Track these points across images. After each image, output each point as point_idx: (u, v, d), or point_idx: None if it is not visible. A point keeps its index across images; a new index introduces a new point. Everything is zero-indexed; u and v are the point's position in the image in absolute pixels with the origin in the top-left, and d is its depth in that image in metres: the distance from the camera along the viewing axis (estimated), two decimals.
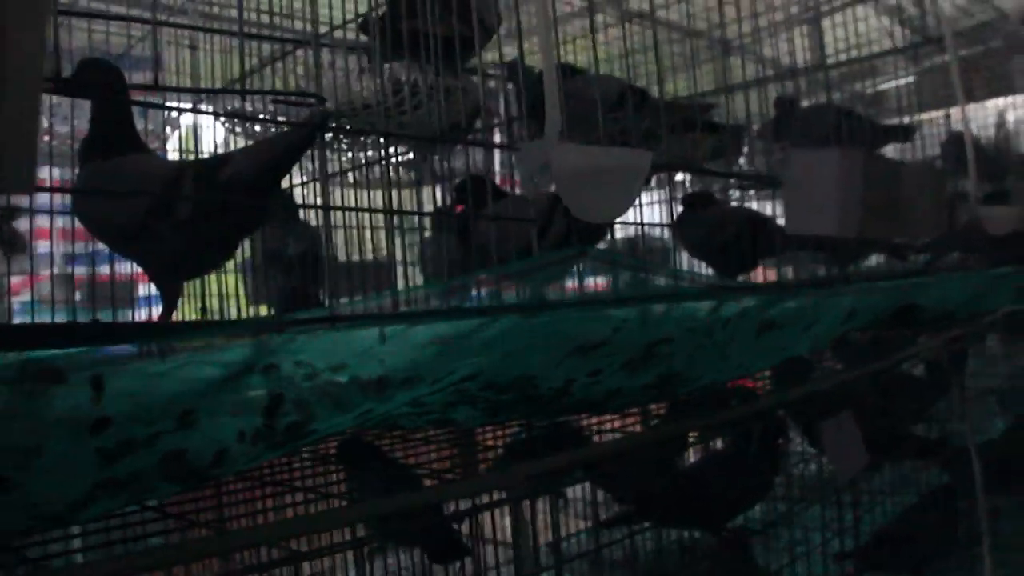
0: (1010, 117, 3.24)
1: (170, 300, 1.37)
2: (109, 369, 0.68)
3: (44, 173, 1.69)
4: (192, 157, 1.88)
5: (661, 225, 2.07)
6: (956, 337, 2.33)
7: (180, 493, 1.19)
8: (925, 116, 2.67)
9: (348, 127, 1.49)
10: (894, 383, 2.29)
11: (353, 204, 1.84)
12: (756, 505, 2.00)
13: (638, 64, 1.98)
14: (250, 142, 1.59)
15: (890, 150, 2.38)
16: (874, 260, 2.44)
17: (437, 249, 2.04)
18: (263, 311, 1.92)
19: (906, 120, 2.59)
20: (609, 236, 1.63)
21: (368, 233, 1.69)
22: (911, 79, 2.84)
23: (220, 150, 1.75)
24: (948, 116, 2.67)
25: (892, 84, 2.93)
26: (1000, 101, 3.21)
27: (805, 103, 2.42)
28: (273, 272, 1.83)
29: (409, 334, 0.83)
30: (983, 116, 3.13)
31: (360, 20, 1.56)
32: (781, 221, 2.19)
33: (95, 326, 0.85)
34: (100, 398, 0.68)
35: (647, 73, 1.91)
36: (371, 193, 1.92)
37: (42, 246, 1.94)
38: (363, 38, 1.56)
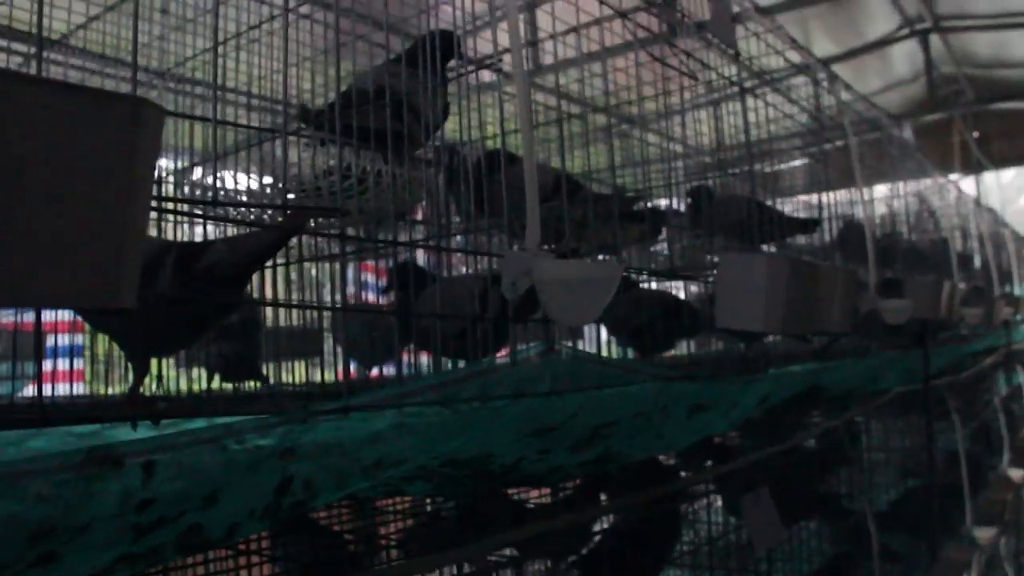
0: (895, 204, 3.51)
1: (140, 372, 1.44)
2: (160, 455, 0.76)
3: None
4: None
5: None
6: (852, 417, 2.53)
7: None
8: (816, 198, 2.85)
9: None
10: (797, 456, 2.46)
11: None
12: None
13: (544, 138, 2.12)
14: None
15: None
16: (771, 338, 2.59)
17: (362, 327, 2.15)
18: (200, 376, 1.95)
19: (808, 207, 2.80)
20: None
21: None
22: (803, 162, 3.06)
23: None
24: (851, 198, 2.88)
25: (786, 166, 3.15)
26: (883, 188, 3.47)
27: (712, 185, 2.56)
28: (211, 338, 1.87)
29: (407, 422, 0.94)
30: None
31: (300, 110, 1.65)
32: (694, 304, 2.36)
33: (147, 402, 0.93)
34: (150, 482, 0.76)
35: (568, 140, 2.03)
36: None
37: None
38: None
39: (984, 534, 3.53)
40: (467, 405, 1.00)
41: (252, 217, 1.53)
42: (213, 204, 1.13)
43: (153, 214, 1.26)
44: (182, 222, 1.77)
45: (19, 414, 0.97)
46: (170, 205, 1.38)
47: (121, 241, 0.60)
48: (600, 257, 2.25)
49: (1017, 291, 5.71)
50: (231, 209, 1.47)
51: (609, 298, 1.11)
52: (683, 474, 2.23)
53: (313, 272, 2.08)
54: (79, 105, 0.58)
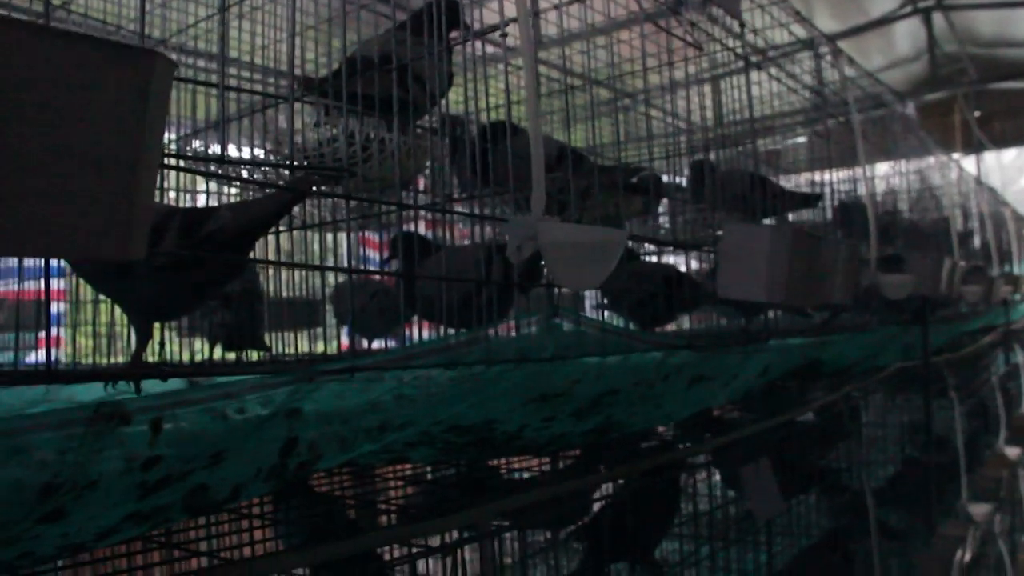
0: (896, 181, 3.50)
1: (142, 338, 1.44)
2: (168, 412, 0.77)
3: None
4: None
5: None
6: (851, 391, 2.54)
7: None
8: (818, 175, 2.85)
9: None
10: (798, 430, 2.47)
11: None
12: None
13: (546, 110, 2.10)
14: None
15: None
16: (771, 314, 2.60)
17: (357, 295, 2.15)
18: (202, 347, 1.95)
19: (809, 184, 2.79)
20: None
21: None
22: (803, 139, 3.06)
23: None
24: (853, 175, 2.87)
25: (788, 143, 3.15)
26: (885, 166, 3.46)
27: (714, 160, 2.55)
28: (212, 307, 1.88)
29: (410, 385, 0.94)
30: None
31: (304, 80, 1.65)
32: (695, 277, 2.36)
33: (150, 366, 0.93)
34: (156, 439, 0.76)
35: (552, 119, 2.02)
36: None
37: None
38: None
39: (979, 510, 3.55)
40: (470, 369, 1.00)
41: (258, 178, 1.53)
42: (220, 162, 1.12)
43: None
44: (186, 190, 1.76)
45: (28, 372, 0.97)
46: (178, 162, 1.37)
47: (132, 192, 0.60)
48: None
49: (1016, 270, 5.71)
50: (235, 170, 1.46)
51: (614, 263, 1.11)
52: (682, 448, 2.24)
53: (316, 244, 2.08)
54: (93, 56, 0.57)
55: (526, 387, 1.17)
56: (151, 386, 0.93)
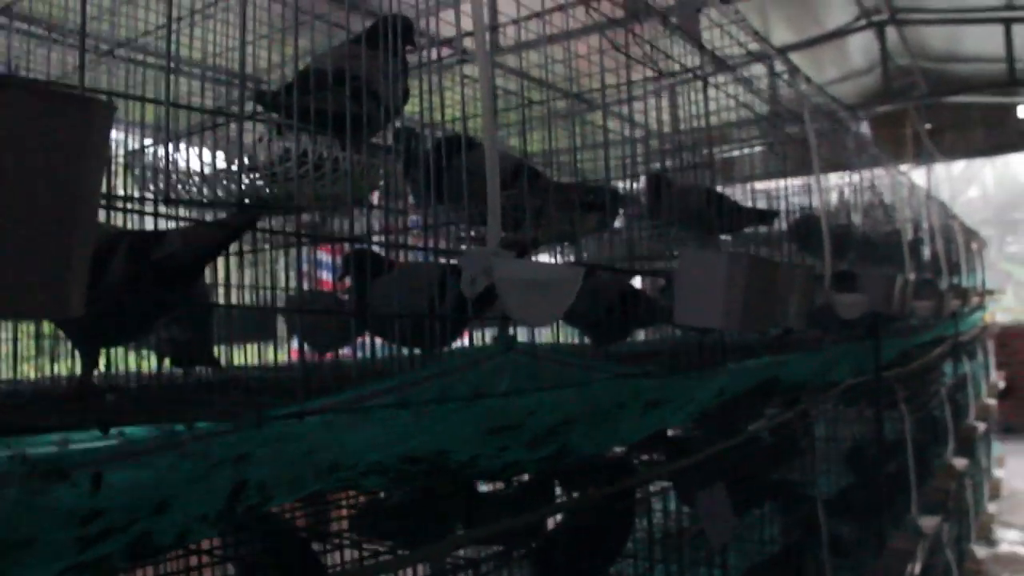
0: (846, 193, 3.53)
1: (88, 364, 1.40)
2: (108, 466, 0.73)
3: None
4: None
5: None
6: (805, 410, 2.55)
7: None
8: (772, 184, 2.86)
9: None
10: (752, 449, 2.47)
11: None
12: None
13: (503, 122, 2.09)
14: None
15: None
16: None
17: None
18: (150, 360, 1.90)
19: (764, 195, 2.80)
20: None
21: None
22: (758, 149, 3.07)
23: None
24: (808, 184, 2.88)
25: (743, 152, 3.16)
26: (836, 177, 3.50)
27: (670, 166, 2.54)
28: (162, 322, 1.83)
29: (364, 423, 0.91)
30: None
31: (256, 93, 1.61)
32: (650, 293, 2.36)
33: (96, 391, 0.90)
34: (96, 493, 0.73)
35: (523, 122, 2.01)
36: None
37: None
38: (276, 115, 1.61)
39: (928, 523, 3.60)
40: (423, 408, 0.98)
41: (205, 200, 1.49)
42: (165, 203, 1.09)
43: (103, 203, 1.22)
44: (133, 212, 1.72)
45: None
46: (123, 201, 1.33)
47: (69, 248, 0.57)
48: (557, 246, 2.24)
49: (964, 282, 5.81)
50: (181, 195, 1.43)
51: (570, 300, 1.09)
52: (636, 462, 2.23)
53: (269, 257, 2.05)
54: (25, 104, 0.54)
55: (480, 420, 1.15)
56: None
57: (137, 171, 1.56)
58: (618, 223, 2.43)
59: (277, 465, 0.88)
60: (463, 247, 1.57)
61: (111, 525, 0.78)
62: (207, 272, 1.83)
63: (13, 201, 0.54)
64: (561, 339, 2.13)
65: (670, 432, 2.42)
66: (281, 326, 2.31)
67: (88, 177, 0.59)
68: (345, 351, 2.20)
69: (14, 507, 0.69)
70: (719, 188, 2.52)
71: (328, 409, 0.87)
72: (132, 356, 1.85)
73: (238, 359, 1.94)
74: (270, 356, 2.08)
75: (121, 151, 1.76)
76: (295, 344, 2.38)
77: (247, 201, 1.47)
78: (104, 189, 1.51)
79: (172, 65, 1.68)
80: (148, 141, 1.65)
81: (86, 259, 0.62)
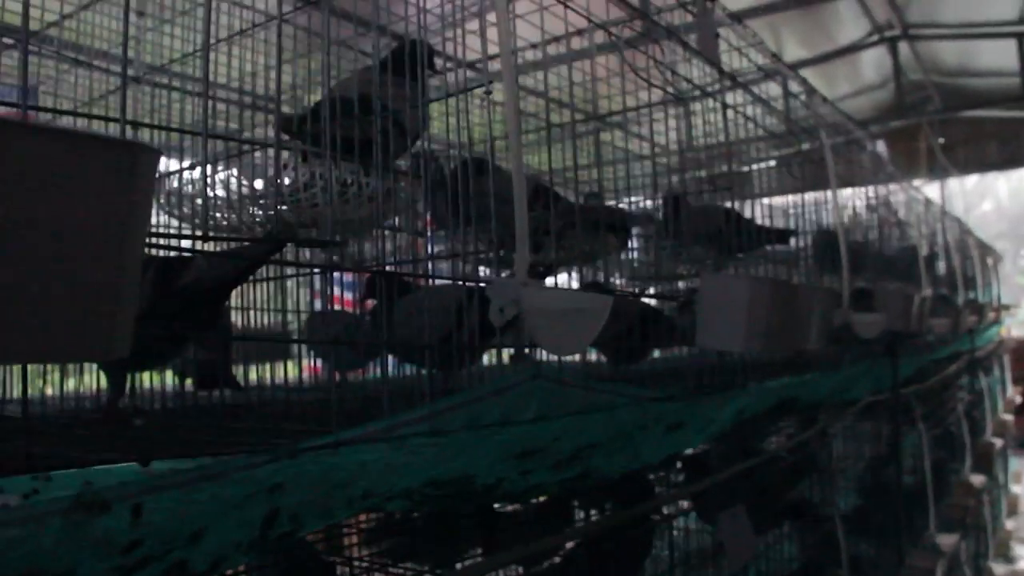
0: (861, 210, 3.53)
1: (116, 388, 1.41)
2: (149, 496, 0.75)
3: None
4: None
5: None
6: (824, 428, 2.55)
7: None
8: (787, 200, 2.86)
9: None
10: (772, 468, 2.47)
11: None
12: None
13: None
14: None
15: None
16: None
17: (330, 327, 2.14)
18: (171, 379, 1.92)
19: (780, 211, 2.80)
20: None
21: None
22: (772, 164, 3.08)
23: None
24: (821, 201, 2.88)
25: (762, 166, 3.17)
26: (848, 191, 3.49)
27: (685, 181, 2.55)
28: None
29: (396, 453, 0.93)
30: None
31: (284, 121, 1.63)
32: (668, 313, 2.36)
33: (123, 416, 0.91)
34: (138, 524, 0.74)
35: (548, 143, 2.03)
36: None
37: None
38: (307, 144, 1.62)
39: (946, 540, 3.59)
40: (453, 436, 0.99)
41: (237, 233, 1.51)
42: (204, 239, 1.11)
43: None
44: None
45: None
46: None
47: (117, 291, 0.58)
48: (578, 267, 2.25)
49: (980, 298, 5.79)
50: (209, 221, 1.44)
51: (599, 329, 1.10)
52: (652, 478, 2.23)
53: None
54: (73, 152, 0.56)
55: (507, 446, 1.16)
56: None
57: (163, 198, 1.58)
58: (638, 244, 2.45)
59: (310, 494, 0.89)
60: (483, 270, 1.58)
61: (149, 554, 0.79)
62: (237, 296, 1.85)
63: (60, 246, 0.55)
64: (582, 359, 2.14)
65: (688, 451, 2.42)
66: (299, 349, 2.32)
67: (135, 220, 0.61)
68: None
69: (56, 538, 0.70)
70: (740, 207, 2.53)
71: (362, 440, 0.89)
72: (154, 376, 1.87)
73: (254, 376, 1.96)
74: (285, 374, 2.09)
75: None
76: (315, 362, 2.39)
77: (269, 227, 1.49)
78: None
79: (199, 90, 1.71)
80: (175, 165, 1.67)
81: (133, 300, 0.63)
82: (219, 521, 0.83)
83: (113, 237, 0.58)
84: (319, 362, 2.40)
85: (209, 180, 1.48)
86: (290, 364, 2.26)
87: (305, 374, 2.41)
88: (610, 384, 1.38)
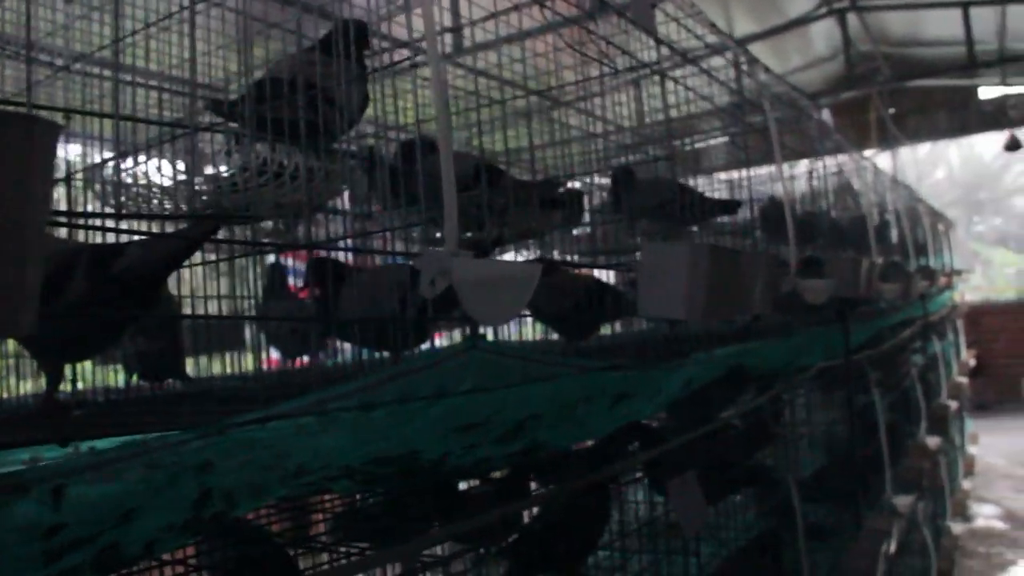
0: (814, 181, 3.57)
1: (53, 380, 1.39)
2: (70, 478, 0.74)
3: None
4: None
5: None
6: (776, 394, 2.58)
7: None
8: (740, 173, 2.89)
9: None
10: (723, 434, 2.49)
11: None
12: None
13: (466, 122, 2.10)
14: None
15: None
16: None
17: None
18: (116, 374, 1.90)
19: (729, 185, 2.82)
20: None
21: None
22: (725, 139, 3.10)
23: None
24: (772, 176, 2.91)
25: (709, 142, 3.19)
26: (805, 163, 3.53)
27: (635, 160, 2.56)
28: (129, 336, 1.82)
29: (328, 430, 0.92)
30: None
31: (212, 103, 1.61)
32: (618, 287, 2.38)
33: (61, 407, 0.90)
34: (59, 506, 0.74)
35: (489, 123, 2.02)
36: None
37: None
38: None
39: (903, 502, 3.65)
40: (388, 408, 0.99)
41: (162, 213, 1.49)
42: (118, 216, 1.09)
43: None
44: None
45: None
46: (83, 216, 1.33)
47: (16, 269, 0.58)
48: (524, 243, 2.25)
49: (932, 263, 5.87)
50: (142, 208, 1.43)
51: (528, 297, 1.10)
52: (612, 453, 2.24)
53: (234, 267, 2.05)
54: None
55: (446, 419, 1.16)
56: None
57: (97, 186, 1.56)
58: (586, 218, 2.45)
59: (241, 472, 0.89)
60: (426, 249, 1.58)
61: (76, 537, 0.79)
62: (178, 284, 1.83)
63: None
64: (540, 336, 2.15)
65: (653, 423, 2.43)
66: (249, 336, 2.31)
67: (34, 196, 0.60)
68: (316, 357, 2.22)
69: None
70: (686, 180, 2.55)
71: (290, 414, 0.88)
72: (102, 371, 1.85)
73: (211, 369, 1.95)
74: (245, 365, 2.08)
75: (82, 166, 1.76)
76: (272, 353, 2.39)
77: (207, 212, 1.47)
78: (65, 205, 1.51)
79: (129, 78, 1.69)
80: (109, 155, 1.65)
81: (36, 278, 0.62)
82: (149, 502, 0.83)
83: (13, 211, 0.58)
84: (274, 353, 2.39)
85: (136, 167, 1.47)
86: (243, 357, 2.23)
87: (262, 366, 2.40)
88: (550, 355, 1.38)
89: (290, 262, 2.49)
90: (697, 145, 3.22)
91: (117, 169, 1.16)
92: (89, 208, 1.83)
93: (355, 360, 1.73)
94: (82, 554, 0.82)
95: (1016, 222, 15.58)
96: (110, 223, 1.35)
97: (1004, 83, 8.05)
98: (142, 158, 1.55)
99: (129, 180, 1.56)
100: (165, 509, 0.86)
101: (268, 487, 0.94)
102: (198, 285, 1.86)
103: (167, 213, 1.46)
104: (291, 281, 2.36)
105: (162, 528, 0.89)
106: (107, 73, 1.85)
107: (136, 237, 1.38)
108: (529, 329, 2.21)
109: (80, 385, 1.72)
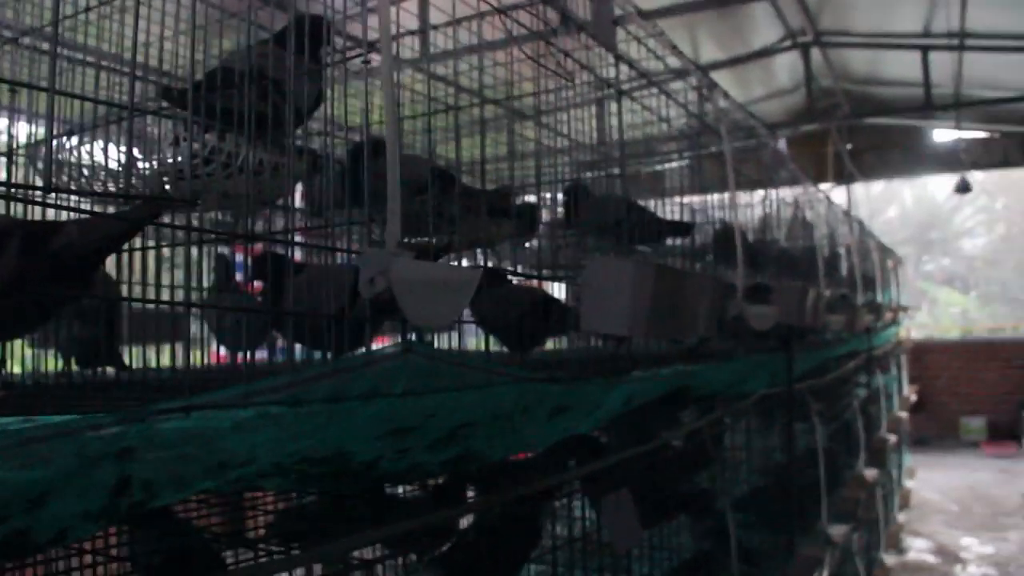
0: (768, 209, 3.61)
1: None
2: None
3: None
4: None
5: None
6: (717, 418, 2.59)
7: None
8: (696, 198, 2.92)
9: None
10: (663, 456, 2.50)
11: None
12: None
13: (437, 126, 2.09)
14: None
15: None
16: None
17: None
18: (52, 361, 1.86)
19: (686, 209, 2.84)
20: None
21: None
22: (685, 163, 3.13)
23: None
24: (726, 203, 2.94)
25: (668, 167, 3.22)
26: (760, 193, 3.57)
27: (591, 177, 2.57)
28: (65, 320, 1.79)
29: (255, 423, 0.91)
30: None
31: (163, 89, 1.59)
32: (565, 302, 2.38)
33: None
34: None
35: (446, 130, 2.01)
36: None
37: None
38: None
39: (838, 531, 3.68)
40: (317, 406, 0.97)
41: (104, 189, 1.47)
42: (47, 190, 1.06)
43: None
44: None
45: None
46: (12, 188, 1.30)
47: None
48: (473, 252, 2.25)
49: (880, 299, 5.97)
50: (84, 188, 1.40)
51: (467, 301, 1.10)
52: (545, 465, 2.24)
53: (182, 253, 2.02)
54: None
55: (377, 422, 1.15)
56: None
57: (40, 164, 1.53)
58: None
59: (163, 461, 0.87)
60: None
61: None
62: (128, 271, 1.80)
63: None
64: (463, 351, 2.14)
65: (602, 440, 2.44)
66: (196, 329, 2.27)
67: None
68: (262, 354, 2.19)
69: None
70: (644, 201, 2.56)
71: (214, 405, 0.87)
72: (39, 355, 1.81)
73: (148, 360, 1.91)
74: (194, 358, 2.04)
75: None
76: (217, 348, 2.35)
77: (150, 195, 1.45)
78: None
79: (79, 57, 1.66)
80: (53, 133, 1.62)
81: None
82: (62, 487, 0.81)
83: None
84: (222, 349, 2.36)
85: (82, 147, 1.44)
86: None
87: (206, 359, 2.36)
88: (485, 363, 1.37)
89: (239, 256, 2.46)
90: (656, 167, 3.24)
91: (49, 145, 1.13)
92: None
93: (288, 358, 1.71)
94: None
95: (963, 263, 15.91)
96: (47, 199, 1.31)
97: (958, 127, 8.22)
98: (87, 138, 1.52)
99: (73, 159, 1.54)
100: (80, 495, 0.84)
101: (191, 479, 0.92)
102: (149, 273, 1.83)
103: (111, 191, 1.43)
104: (238, 275, 2.33)
105: (76, 515, 0.86)
106: (60, 51, 1.83)
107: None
108: (480, 340, 2.20)
109: (16, 368, 1.69)
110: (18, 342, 1.63)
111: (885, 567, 5.31)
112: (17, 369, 1.70)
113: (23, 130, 1.86)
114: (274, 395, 0.92)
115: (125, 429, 0.81)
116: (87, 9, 1.60)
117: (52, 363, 1.80)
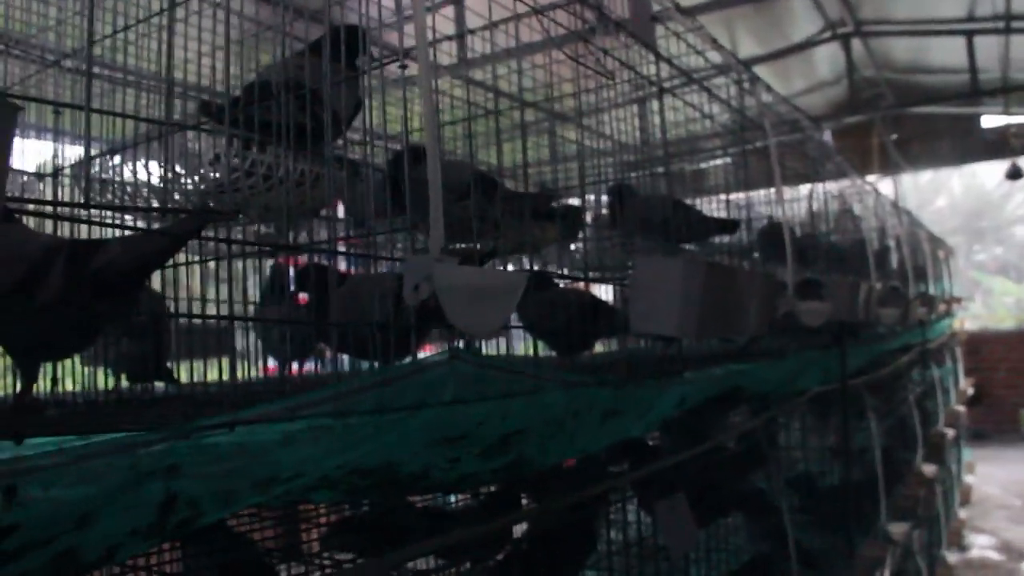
0: (816, 204, 3.55)
1: (28, 379, 1.36)
2: (23, 477, 0.71)
3: None
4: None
5: None
6: (773, 417, 2.55)
7: None
8: (742, 195, 2.87)
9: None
10: (717, 457, 2.46)
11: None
12: None
13: (478, 131, 2.07)
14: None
15: None
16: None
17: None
18: (102, 375, 1.87)
19: (730, 206, 2.80)
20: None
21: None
22: (728, 160, 3.08)
23: None
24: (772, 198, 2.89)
25: (712, 164, 3.17)
26: (805, 189, 3.51)
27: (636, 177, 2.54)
28: (116, 335, 1.80)
29: (303, 436, 0.89)
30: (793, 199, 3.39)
31: (204, 105, 1.59)
32: (613, 304, 2.35)
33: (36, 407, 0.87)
34: (10, 506, 0.70)
35: (487, 135, 1.99)
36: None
37: None
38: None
39: (898, 529, 3.60)
40: (365, 417, 0.96)
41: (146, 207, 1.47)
42: (84, 207, 1.06)
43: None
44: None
45: None
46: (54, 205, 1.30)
47: None
48: (519, 257, 2.22)
49: (932, 290, 5.85)
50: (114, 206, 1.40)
51: (513, 306, 1.08)
52: (593, 470, 2.21)
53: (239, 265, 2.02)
54: None
55: (425, 431, 1.13)
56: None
57: (83, 183, 1.53)
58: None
59: (209, 477, 0.86)
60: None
61: (31, 539, 0.75)
62: (174, 286, 1.80)
63: None
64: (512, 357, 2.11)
65: (650, 442, 2.40)
66: (246, 343, 2.27)
67: None
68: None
69: None
70: (688, 199, 2.53)
71: (258, 420, 0.85)
72: (91, 372, 1.82)
73: (197, 376, 1.91)
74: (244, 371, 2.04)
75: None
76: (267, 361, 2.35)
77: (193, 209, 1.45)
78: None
79: (119, 77, 1.67)
80: (95, 152, 1.63)
81: None
82: (109, 504, 0.80)
83: None
84: (272, 361, 2.36)
85: (124, 164, 1.44)
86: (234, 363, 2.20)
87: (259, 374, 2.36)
88: (535, 368, 1.35)
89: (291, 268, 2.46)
90: (699, 166, 3.21)
91: (87, 163, 1.13)
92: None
93: (333, 368, 1.70)
94: (34, 559, 0.79)
95: (1017, 251, 15.56)
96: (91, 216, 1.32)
97: (1007, 112, 8.04)
98: (130, 156, 1.53)
99: (117, 178, 1.54)
100: (128, 513, 0.83)
101: (238, 494, 0.91)
102: (194, 288, 1.83)
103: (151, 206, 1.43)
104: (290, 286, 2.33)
105: (124, 533, 0.85)
106: (99, 72, 1.84)
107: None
108: (528, 345, 2.18)
109: (69, 385, 1.70)
110: (73, 361, 1.64)
111: (948, 565, 5.19)
112: (73, 387, 1.71)
113: (72, 151, 1.88)
114: (320, 407, 0.91)
115: (170, 446, 0.80)
116: (125, 28, 1.60)
117: (105, 380, 1.81)
